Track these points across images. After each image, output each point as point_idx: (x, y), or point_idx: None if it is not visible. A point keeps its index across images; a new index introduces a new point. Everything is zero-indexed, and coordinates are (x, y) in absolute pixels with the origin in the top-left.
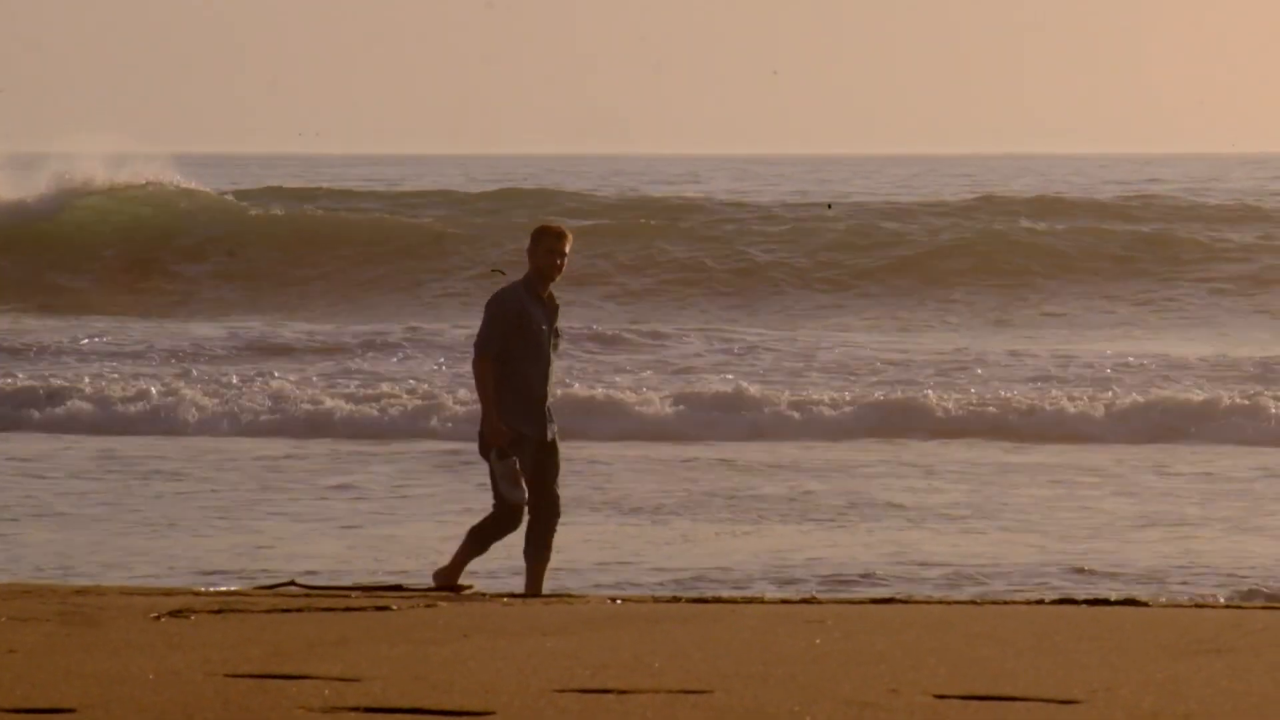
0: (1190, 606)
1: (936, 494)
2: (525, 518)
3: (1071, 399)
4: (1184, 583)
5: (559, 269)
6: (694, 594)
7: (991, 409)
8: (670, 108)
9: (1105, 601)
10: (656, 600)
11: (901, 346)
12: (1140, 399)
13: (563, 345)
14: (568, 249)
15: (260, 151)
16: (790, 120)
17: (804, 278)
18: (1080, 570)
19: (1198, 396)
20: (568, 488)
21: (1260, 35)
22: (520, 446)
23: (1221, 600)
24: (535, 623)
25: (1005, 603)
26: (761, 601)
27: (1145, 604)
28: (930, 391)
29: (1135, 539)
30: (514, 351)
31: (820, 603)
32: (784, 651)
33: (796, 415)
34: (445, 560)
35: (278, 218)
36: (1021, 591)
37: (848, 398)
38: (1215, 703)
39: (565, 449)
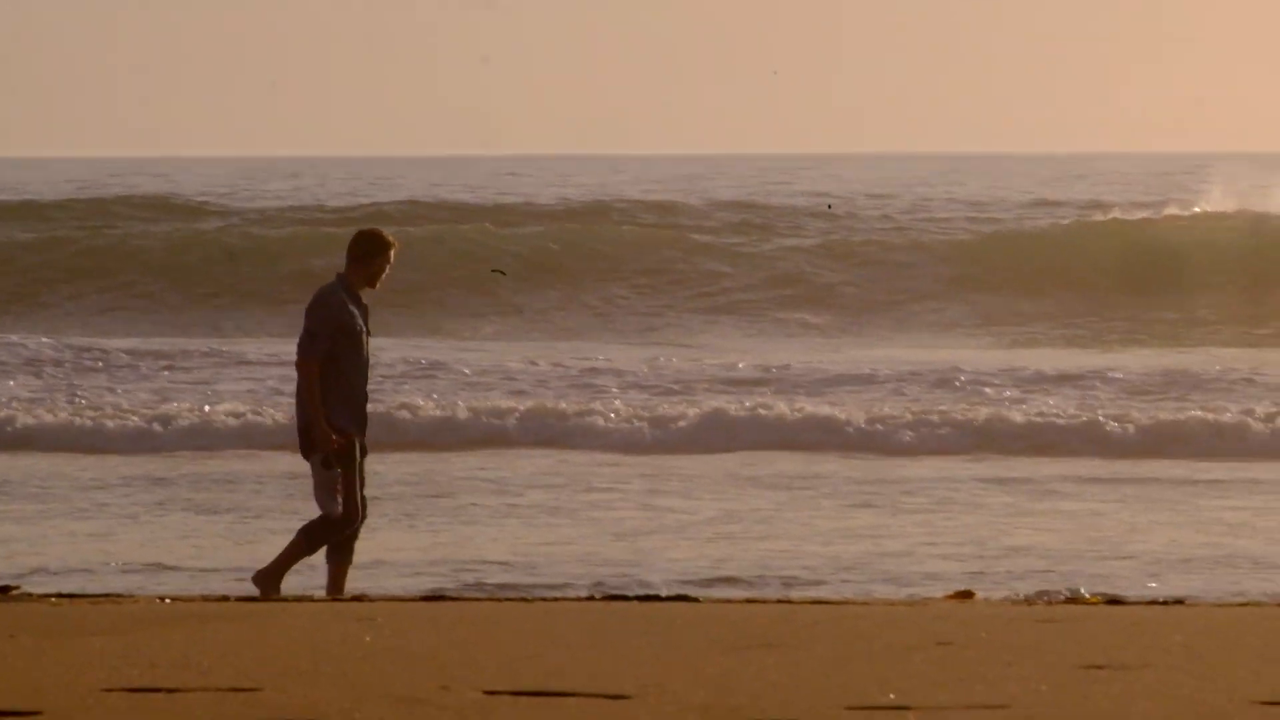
0: (741, 602)
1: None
2: (364, 517)
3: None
4: (739, 581)
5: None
6: (242, 594)
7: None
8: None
9: (656, 597)
10: (206, 600)
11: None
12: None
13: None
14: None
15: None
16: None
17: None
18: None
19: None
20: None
21: None
22: (350, 454)
23: (774, 597)
24: (83, 623)
25: (555, 599)
26: (312, 600)
27: (696, 600)
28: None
29: (685, 540)
30: (340, 353)
31: (371, 600)
32: (335, 649)
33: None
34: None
35: None
36: (574, 589)
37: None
38: (765, 695)
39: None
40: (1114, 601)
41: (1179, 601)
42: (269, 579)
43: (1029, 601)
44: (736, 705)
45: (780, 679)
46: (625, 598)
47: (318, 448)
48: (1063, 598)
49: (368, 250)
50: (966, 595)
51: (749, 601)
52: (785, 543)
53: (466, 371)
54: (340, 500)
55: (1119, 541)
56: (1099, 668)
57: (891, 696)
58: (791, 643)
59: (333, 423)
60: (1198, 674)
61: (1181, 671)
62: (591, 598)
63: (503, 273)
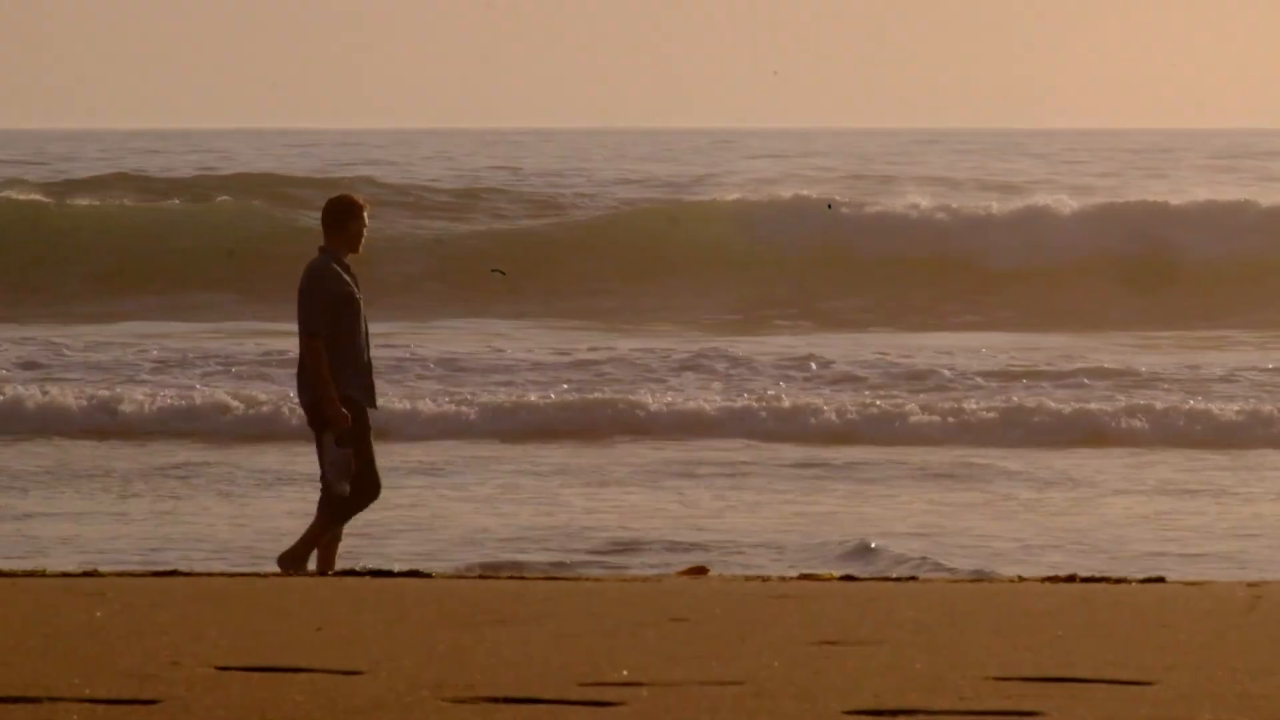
0: (474, 578)
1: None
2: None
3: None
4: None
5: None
6: None
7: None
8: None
9: (388, 573)
10: None
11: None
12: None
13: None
14: None
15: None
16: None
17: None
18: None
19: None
20: None
21: None
22: (362, 428)
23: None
24: None
25: (279, 575)
26: (43, 575)
27: (429, 575)
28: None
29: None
30: (343, 325)
31: (102, 575)
32: (64, 625)
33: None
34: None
35: None
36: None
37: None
38: (499, 671)
39: None
40: (848, 578)
41: (913, 579)
42: (294, 560)
43: (763, 579)
44: (470, 682)
45: (513, 655)
46: (356, 573)
47: (331, 426)
48: (796, 574)
49: (341, 216)
50: (700, 571)
51: (481, 577)
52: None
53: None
54: (347, 484)
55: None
56: (832, 643)
57: (625, 673)
58: (525, 619)
59: (344, 394)
60: (930, 649)
61: (913, 647)
62: (324, 573)
63: (502, 272)
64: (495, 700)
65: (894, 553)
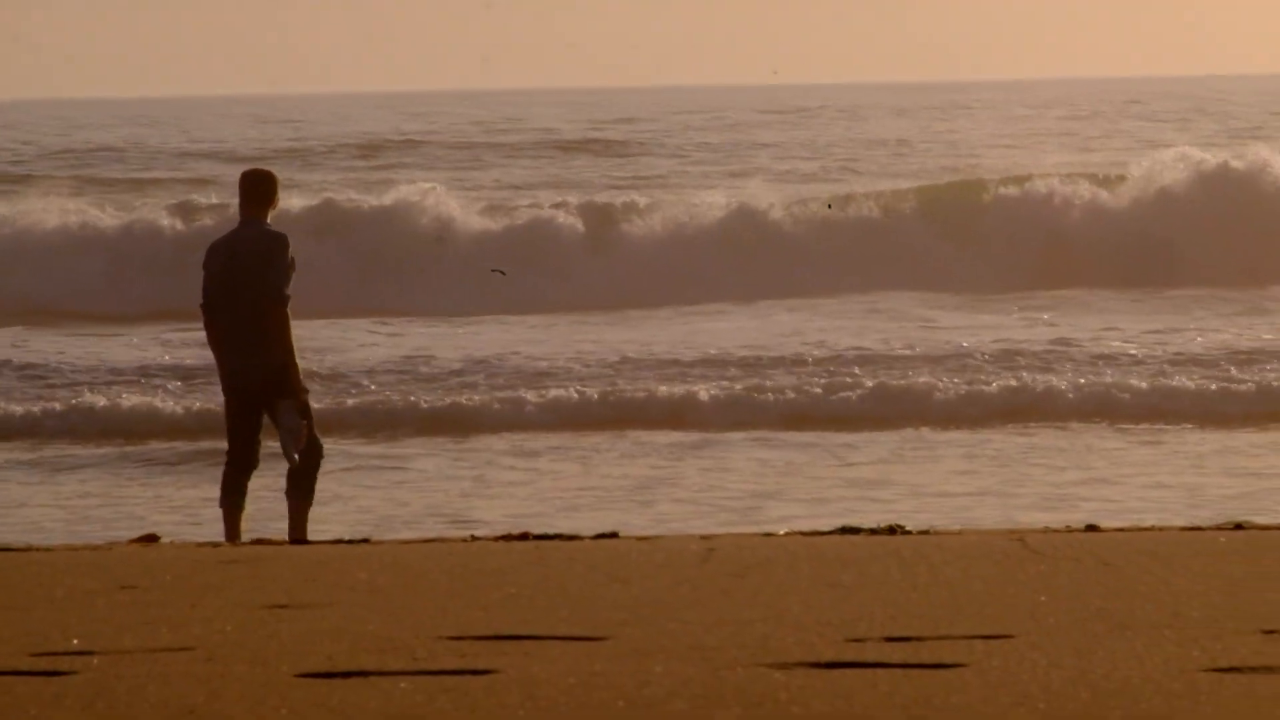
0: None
1: None
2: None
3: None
4: None
5: None
6: None
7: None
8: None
9: None
10: None
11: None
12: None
13: None
14: None
15: None
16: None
17: None
18: None
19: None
20: None
21: None
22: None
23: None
24: None
25: None
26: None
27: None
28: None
29: None
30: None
31: None
32: None
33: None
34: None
35: None
36: None
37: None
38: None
39: None
40: (298, 542)
41: (365, 540)
42: (300, 533)
43: (213, 544)
44: None
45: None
46: None
47: (295, 393)
48: (253, 539)
49: (272, 189)
50: (151, 539)
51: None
52: None
53: None
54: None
55: None
56: (283, 606)
57: (75, 642)
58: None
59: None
60: (383, 610)
61: (366, 608)
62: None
63: (502, 272)
64: None
65: None
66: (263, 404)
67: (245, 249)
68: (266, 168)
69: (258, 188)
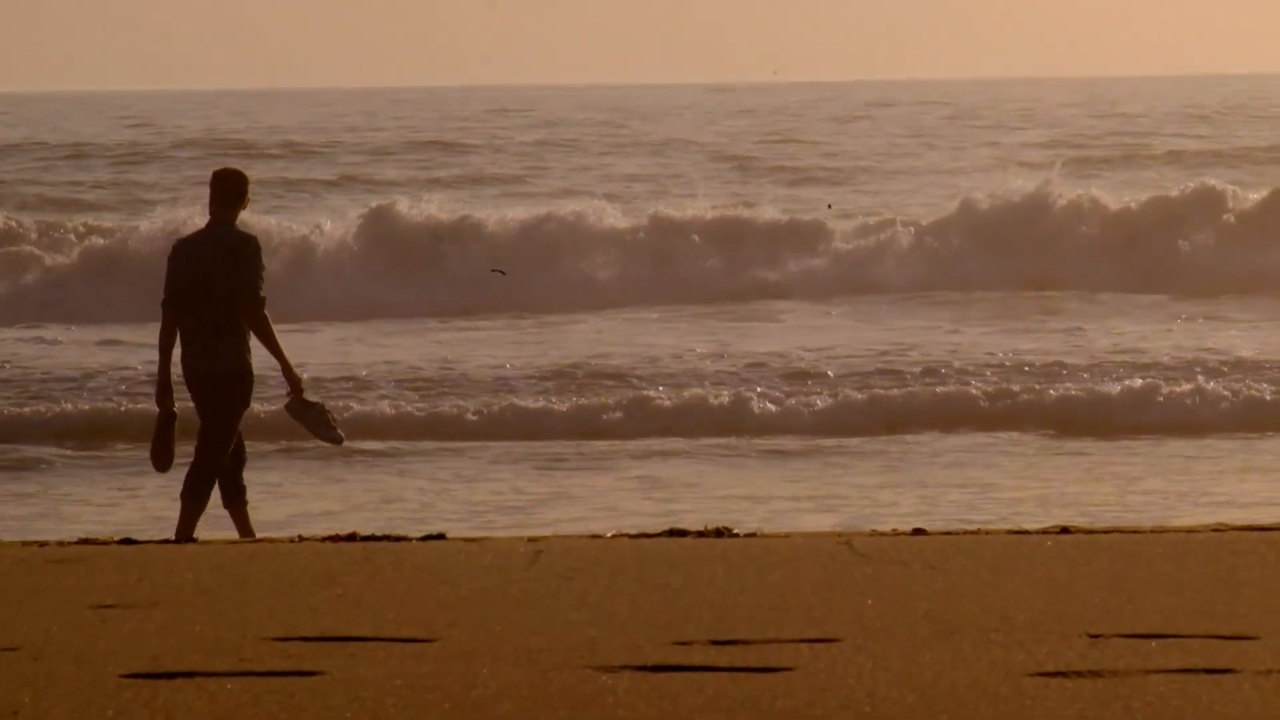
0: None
1: None
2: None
3: None
4: None
5: None
6: None
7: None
8: None
9: None
10: None
11: None
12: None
13: None
14: None
15: None
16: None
17: None
18: None
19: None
20: None
21: None
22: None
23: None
24: None
25: None
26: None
27: None
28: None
29: None
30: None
31: None
32: None
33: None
34: None
35: None
36: None
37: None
38: None
39: None
40: (126, 541)
41: (193, 540)
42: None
43: (40, 544)
44: None
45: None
46: None
47: (296, 388)
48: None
49: (243, 189)
50: None
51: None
52: None
53: None
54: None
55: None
56: (110, 606)
57: None
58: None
59: (246, 364)
60: (210, 610)
61: (193, 608)
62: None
63: (503, 272)
64: None
65: None
66: (218, 404)
67: (212, 250)
68: (229, 167)
69: (227, 186)
